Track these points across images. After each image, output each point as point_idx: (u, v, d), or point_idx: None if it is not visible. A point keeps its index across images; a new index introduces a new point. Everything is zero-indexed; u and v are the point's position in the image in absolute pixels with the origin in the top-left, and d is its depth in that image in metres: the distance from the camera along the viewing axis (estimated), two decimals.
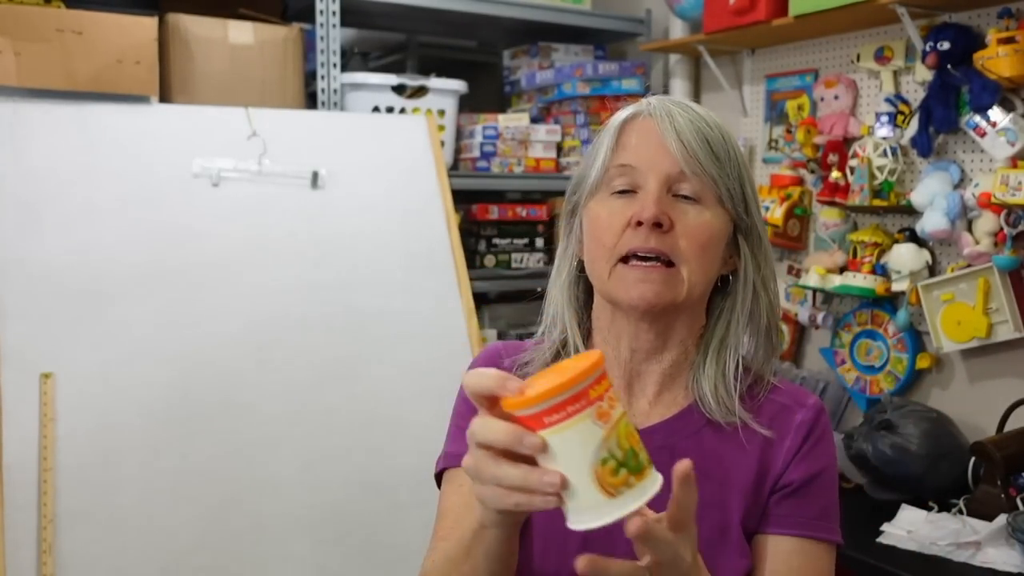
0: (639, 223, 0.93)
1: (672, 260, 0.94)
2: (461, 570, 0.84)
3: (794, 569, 0.88)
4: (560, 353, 1.03)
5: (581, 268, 1.04)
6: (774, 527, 0.96)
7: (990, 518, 1.81)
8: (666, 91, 2.92)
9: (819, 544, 0.97)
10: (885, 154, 2.22)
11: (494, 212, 2.73)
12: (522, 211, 2.74)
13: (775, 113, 2.61)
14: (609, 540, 0.98)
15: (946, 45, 2.04)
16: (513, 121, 2.76)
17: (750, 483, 0.95)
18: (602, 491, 0.65)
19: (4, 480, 1.77)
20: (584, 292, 1.06)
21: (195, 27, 2.28)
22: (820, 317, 2.43)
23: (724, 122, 1.00)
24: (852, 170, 2.27)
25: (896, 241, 2.23)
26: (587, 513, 0.66)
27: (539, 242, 2.78)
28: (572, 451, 0.64)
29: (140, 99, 2.16)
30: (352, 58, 3.15)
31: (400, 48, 3.14)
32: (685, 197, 0.96)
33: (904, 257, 2.18)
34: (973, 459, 1.98)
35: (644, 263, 0.94)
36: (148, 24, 2.16)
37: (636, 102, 1.02)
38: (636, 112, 0.99)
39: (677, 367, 1.01)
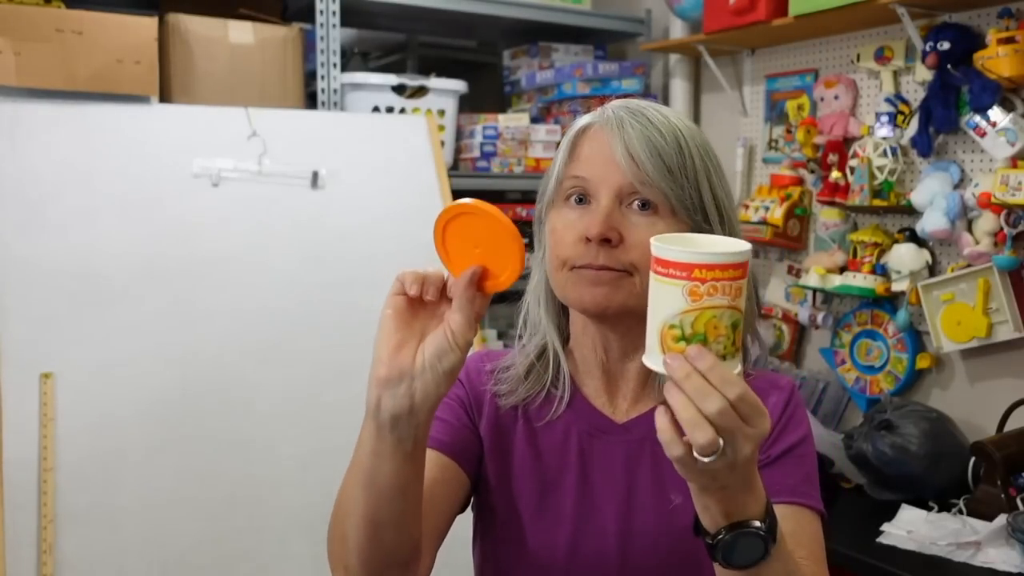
0: (588, 239, 0.94)
1: (626, 270, 0.95)
2: (350, 467, 0.88)
3: (787, 534, 0.88)
4: (540, 359, 1.05)
5: None
6: None
7: (990, 518, 1.81)
8: (666, 91, 2.93)
9: (806, 510, 0.98)
10: (885, 154, 2.22)
11: None
12: (522, 211, 2.74)
13: (775, 113, 2.61)
14: (601, 532, 1.00)
15: (946, 45, 2.04)
16: (513, 121, 2.76)
17: None
18: (660, 346, 0.74)
19: (4, 480, 1.77)
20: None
21: (195, 27, 2.28)
22: (820, 317, 2.43)
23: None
24: (852, 170, 2.27)
25: (896, 241, 2.23)
26: (648, 355, 0.76)
27: None
28: (656, 302, 0.75)
29: (140, 99, 2.16)
30: (352, 58, 3.16)
31: (400, 48, 3.14)
32: (641, 206, 0.96)
33: (904, 257, 2.18)
34: (973, 459, 1.98)
35: (596, 269, 0.95)
36: (148, 24, 2.16)
37: (597, 108, 1.02)
38: (590, 122, 1.00)
39: None
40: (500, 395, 1.05)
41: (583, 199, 0.98)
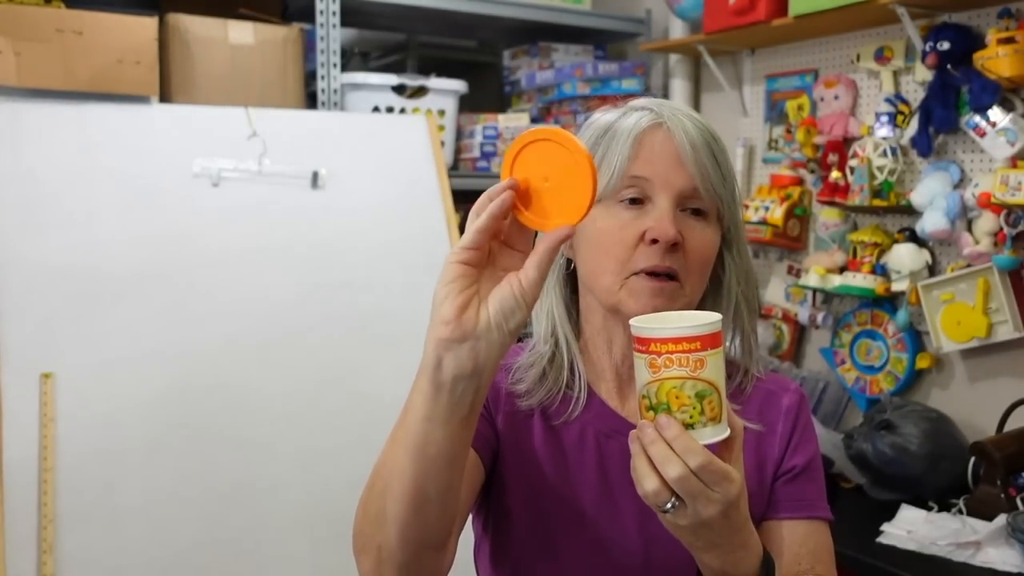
0: (654, 240, 0.94)
1: (678, 275, 0.96)
2: (395, 434, 0.85)
3: (812, 551, 0.94)
4: (555, 358, 1.04)
5: (566, 267, 1.05)
6: (785, 512, 1.01)
7: (990, 518, 1.81)
8: (666, 91, 2.93)
9: (824, 523, 1.02)
10: (885, 154, 2.22)
11: None
12: None
13: (775, 113, 2.61)
14: (619, 523, 1.00)
15: (946, 45, 2.04)
16: (513, 121, 2.76)
17: (748, 469, 0.96)
18: (641, 411, 0.82)
19: (4, 480, 1.77)
20: (572, 291, 1.07)
21: (195, 27, 2.28)
22: (820, 317, 2.43)
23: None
24: (852, 170, 2.27)
25: (896, 241, 2.23)
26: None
27: None
28: (635, 375, 0.83)
29: (140, 99, 2.16)
30: (352, 58, 3.15)
31: (400, 48, 3.14)
32: (692, 212, 0.97)
33: (904, 257, 2.18)
34: (973, 459, 1.99)
35: (657, 278, 0.95)
36: (148, 24, 2.16)
37: (635, 103, 1.01)
38: (654, 122, 0.97)
39: None
40: (519, 395, 1.03)
41: (636, 200, 0.96)
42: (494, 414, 1.03)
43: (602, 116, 1.02)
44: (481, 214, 0.75)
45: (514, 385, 1.04)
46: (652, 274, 0.95)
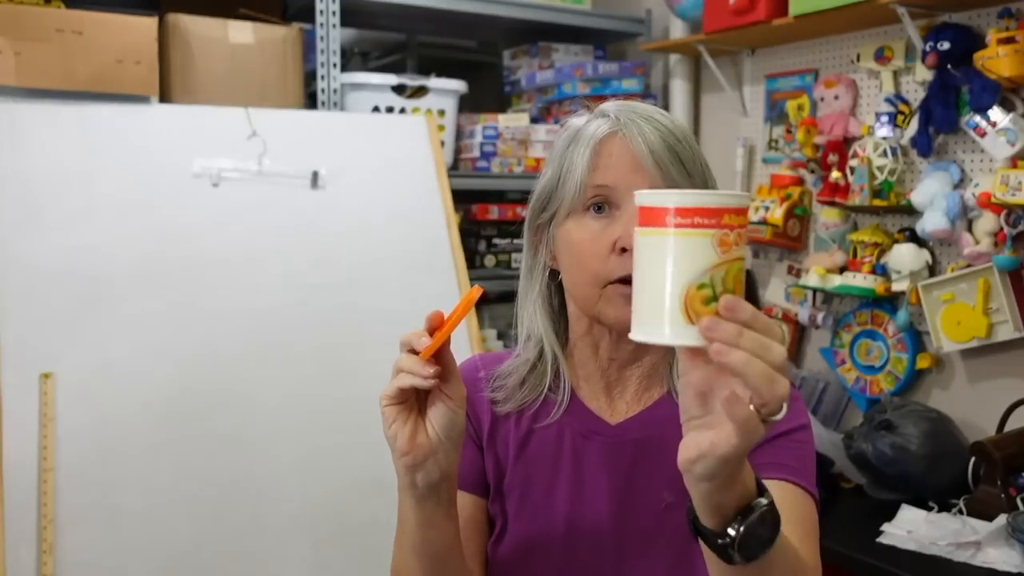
0: (623, 249, 0.93)
1: None
2: (399, 541, 0.97)
3: (780, 510, 0.87)
4: (537, 364, 1.05)
5: (551, 277, 1.05)
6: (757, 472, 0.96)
7: (990, 518, 1.81)
8: (666, 91, 2.93)
9: (801, 489, 0.94)
10: (885, 154, 2.22)
11: (494, 212, 2.73)
12: (522, 211, 2.74)
13: (775, 113, 2.61)
14: (594, 517, 1.00)
15: (946, 45, 2.04)
16: (513, 121, 2.76)
17: None
18: (684, 314, 0.65)
19: (4, 480, 1.77)
20: (558, 300, 1.07)
21: (195, 27, 2.28)
22: (820, 317, 2.43)
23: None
24: (852, 170, 2.27)
25: (896, 241, 2.23)
26: (656, 327, 0.66)
27: None
28: (677, 261, 0.65)
29: (140, 99, 2.16)
30: (352, 58, 3.16)
31: (400, 48, 3.14)
32: None
33: (904, 257, 2.18)
34: (973, 459, 1.98)
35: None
36: (148, 24, 2.16)
37: (602, 108, 1.00)
38: (611, 130, 0.97)
39: (655, 368, 1.03)
40: (496, 402, 1.05)
41: (602, 207, 0.96)
42: (480, 434, 1.05)
43: (574, 120, 1.02)
44: (403, 375, 0.85)
45: (493, 393, 1.05)
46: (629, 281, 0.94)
